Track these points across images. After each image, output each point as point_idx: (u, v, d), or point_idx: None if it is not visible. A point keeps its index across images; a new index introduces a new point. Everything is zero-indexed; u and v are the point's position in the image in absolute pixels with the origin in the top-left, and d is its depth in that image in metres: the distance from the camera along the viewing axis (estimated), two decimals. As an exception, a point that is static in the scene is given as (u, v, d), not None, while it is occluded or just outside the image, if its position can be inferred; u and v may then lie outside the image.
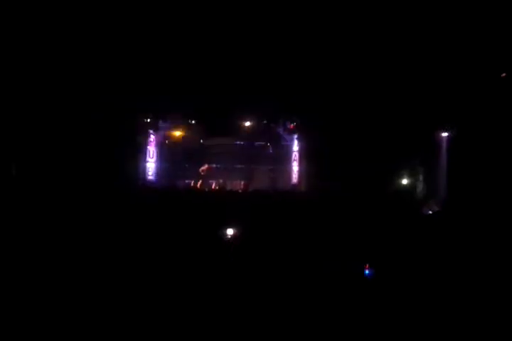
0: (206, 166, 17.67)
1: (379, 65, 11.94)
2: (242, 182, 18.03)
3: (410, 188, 14.27)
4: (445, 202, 12.11)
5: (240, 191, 16.56)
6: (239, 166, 18.63)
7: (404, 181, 14.56)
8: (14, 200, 9.29)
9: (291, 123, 17.56)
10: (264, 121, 18.10)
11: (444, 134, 13.60)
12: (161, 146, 17.75)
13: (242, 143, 18.57)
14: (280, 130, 18.25)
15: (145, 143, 16.94)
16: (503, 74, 10.23)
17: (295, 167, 17.68)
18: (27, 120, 12.58)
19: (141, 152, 16.50)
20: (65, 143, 13.02)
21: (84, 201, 9.46)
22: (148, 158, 17.07)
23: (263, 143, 18.76)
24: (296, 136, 17.56)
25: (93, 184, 11.95)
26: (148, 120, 16.83)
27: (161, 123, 17.44)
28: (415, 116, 12.20)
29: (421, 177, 14.31)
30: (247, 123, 17.92)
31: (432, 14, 10.30)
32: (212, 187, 17.42)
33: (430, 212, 10.43)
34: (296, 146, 17.69)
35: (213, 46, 13.04)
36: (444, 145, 13.54)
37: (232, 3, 11.58)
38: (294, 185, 17.05)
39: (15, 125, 12.80)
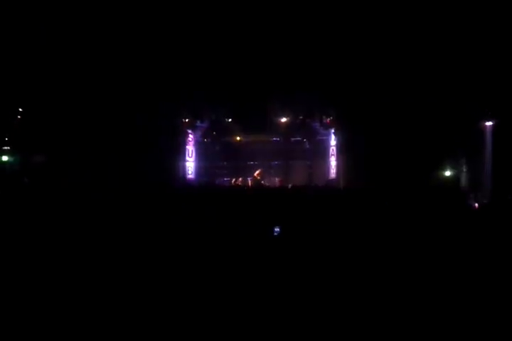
0: (260, 170, 17.78)
1: (418, 54, 11.67)
2: (279, 179, 18.07)
3: (454, 180, 13.88)
4: (491, 194, 11.73)
5: (278, 187, 16.59)
6: (276, 162, 18.66)
7: (448, 173, 14.17)
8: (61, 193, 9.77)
9: (327, 117, 17.44)
10: (300, 117, 18.03)
11: (489, 123, 13.14)
12: (199, 145, 18.03)
13: (278, 139, 18.59)
14: (316, 125, 18.14)
15: (183, 143, 17.26)
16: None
17: (332, 162, 17.53)
18: (75, 120, 13.15)
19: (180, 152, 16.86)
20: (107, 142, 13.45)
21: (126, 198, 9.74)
22: (187, 158, 17.38)
23: (299, 138, 18.71)
24: (332, 131, 17.40)
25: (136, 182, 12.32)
26: (186, 120, 17.16)
27: (198, 123, 17.73)
28: (458, 105, 11.84)
29: (465, 169, 13.88)
30: (283, 120, 17.92)
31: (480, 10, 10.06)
32: (249, 183, 17.52)
33: (476, 205, 10.13)
34: (333, 141, 17.53)
35: (247, 42, 13.11)
36: (489, 134, 13.08)
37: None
38: (332, 180, 16.91)
39: (56, 124, 13.40)
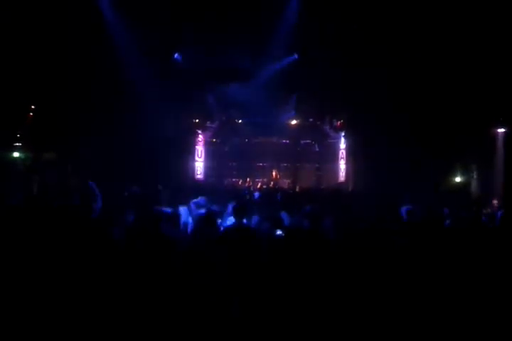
0: (275, 172, 17.84)
1: (428, 59, 11.60)
2: (288, 181, 18.06)
3: (464, 186, 13.77)
4: (502, 201, 11.60)
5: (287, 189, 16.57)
6: (285, 164, 18.67)
7: (458, 179, 14.05)
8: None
9: (337, 120, 17.41)
10: (310, 119, 18.03)
11: (501, 130, 13.03)
12: (208, 146, 18.07)
13: (288, 141, 18.60)
14: (326, 128, 18.13)
15: (193, 143, 17.31)
16: None
17: (342, 165, 17.50)
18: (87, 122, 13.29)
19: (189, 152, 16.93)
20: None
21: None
22: (196, 158, 17.44)
23: (309, 141, 18.70)
24: (342, 134, 17.36)
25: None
26: (197, 120, 17.24)
27: (208, 124, 17.80)
28: (469, 110, 11.73)
29: (475, 175, 13.76)
30: (293, 122, 17.93)
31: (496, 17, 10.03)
32: (259, 186, 17.51)
33: (486, 211, 10.01)
34: (342, 144, 17.50)
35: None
36: (501, 141, 12.96)
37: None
38: (341, 184, 16.87)
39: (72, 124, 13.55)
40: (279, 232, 5.86)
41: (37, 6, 11.09)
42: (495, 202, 9.80)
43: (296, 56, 14.59)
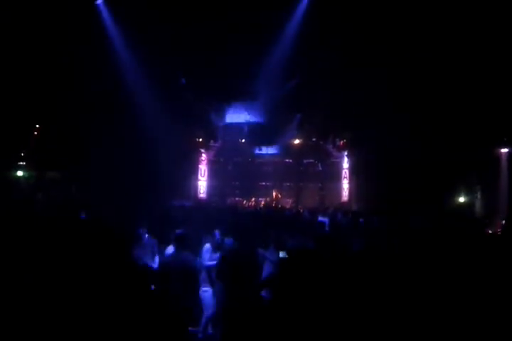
0: (276, 192, 17.83)
1: (432, 79, 11.69)
2: (291, 201, 17.98)
3: (468, 206, 13.67)
4: (506, 221, 11.50)
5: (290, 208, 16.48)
6: (288, 184, 18.62)
7: (462, 199, 13.97)
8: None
9: (340, 140, 17.45)
10: (314, 139, 18.07)
11: (504, 150, 13.03)
12: (211, 165, 18.11)
13: (291, 160, 18.61)
14: (329, 147, 18.16)
15: (196, 162, 17.36)
16: None
17: (345, 184, 17.45)
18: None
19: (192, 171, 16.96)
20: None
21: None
22: (199, 177, 17.44)
23: (312, 160, 18.70)
24: (345, 153, 17.38)
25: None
26: (200, 139, 17.32)
27: (211, 143, 17.87)
28: (473, 130, 11.75)
29: (479, 195, 13.68)
30: (296, 141, 17.98)
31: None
32: (261, 204, 17.44)
33: (490, 232, 9.91)
34: (345, 163, 17.50)
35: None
36: (505, 161, 12.95)
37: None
38: (344, 203, 16.78)
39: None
40: (281, 254, 5.80)
41: (38, 21, 11.26)
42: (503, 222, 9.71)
43: (297, 78, 14.78)
